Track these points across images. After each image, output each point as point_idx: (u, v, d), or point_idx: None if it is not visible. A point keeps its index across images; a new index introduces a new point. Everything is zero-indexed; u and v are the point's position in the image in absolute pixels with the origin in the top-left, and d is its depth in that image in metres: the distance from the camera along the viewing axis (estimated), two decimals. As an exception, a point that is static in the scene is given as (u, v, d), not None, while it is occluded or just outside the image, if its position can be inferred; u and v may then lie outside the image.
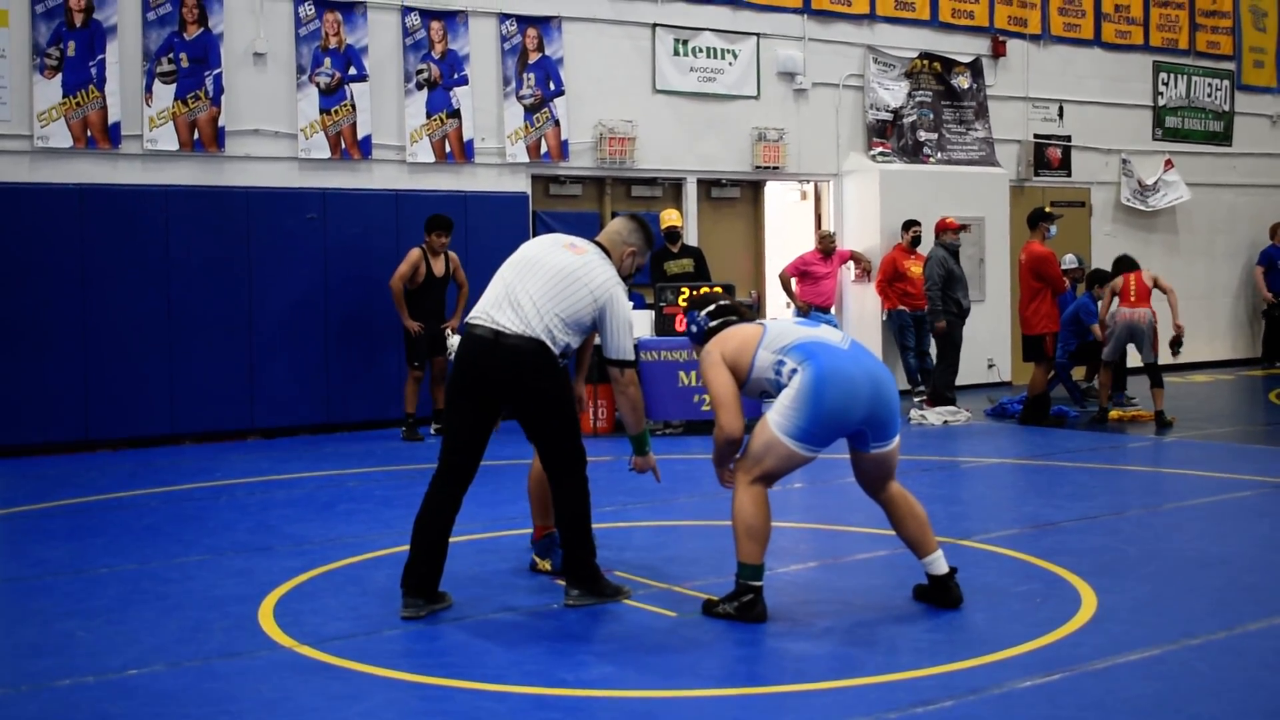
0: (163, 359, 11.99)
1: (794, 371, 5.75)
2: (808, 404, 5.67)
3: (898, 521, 5.98)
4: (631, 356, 6.05)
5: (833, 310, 15.52)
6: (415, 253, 12.25)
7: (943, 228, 13.39)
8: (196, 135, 12.26)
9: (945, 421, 12.80)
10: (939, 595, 5.95)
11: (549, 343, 5.84)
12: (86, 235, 11.65)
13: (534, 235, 14.01)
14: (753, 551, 5.72)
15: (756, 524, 5.72)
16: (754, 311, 6.13)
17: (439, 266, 12.33)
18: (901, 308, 15.07)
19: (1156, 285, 12.67)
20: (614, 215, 14.44)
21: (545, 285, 5.90)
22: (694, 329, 6.19)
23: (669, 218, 13.33)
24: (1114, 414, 12.80)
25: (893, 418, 5.82)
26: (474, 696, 4.74)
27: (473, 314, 5.99)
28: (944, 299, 12.98)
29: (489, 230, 13.47)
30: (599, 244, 6.17)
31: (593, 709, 4.62)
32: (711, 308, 6.17)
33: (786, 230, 16.50)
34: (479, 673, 4.99)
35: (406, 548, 5.94)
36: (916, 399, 14.69)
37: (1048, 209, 13.69)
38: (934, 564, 5.94)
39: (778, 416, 5.71)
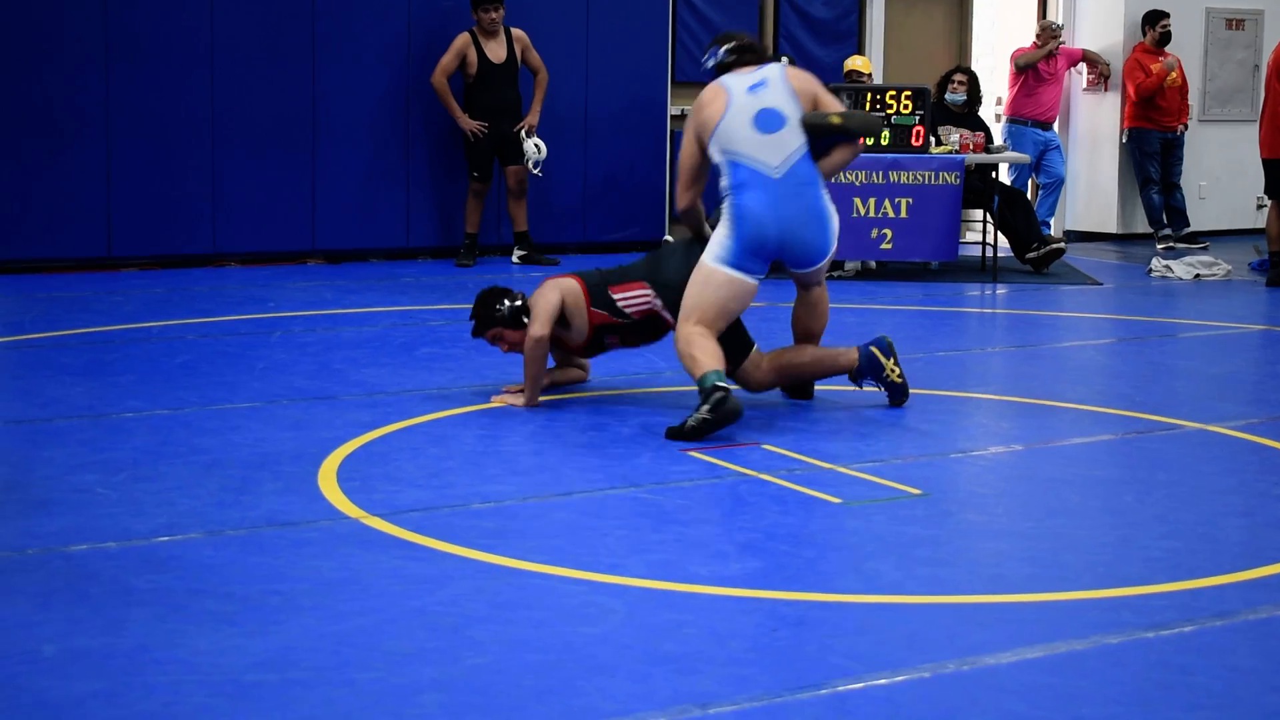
0: (204, 161, 12.14)
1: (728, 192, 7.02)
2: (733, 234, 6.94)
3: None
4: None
5: (1055, 127, 15.22)
6: (460, 38, 12.48)
7: None
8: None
9: (1197, 275, 12.61)
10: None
11: None
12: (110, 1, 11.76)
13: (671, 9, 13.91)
14: (704, 362, 6.70)
15: (703, 342, 6.79)
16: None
17: (496, 51, 12.46)
18: (1148, 127, 14.76)
19: None
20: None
21: None
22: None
23: (855, 65, 13.45)
24: None
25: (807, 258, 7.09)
26: (582, 588, 4.79)
27: None
28: None
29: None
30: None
31: (731, 612, 4.65)
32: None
33: (1002, 20, 16.20)
34: (590, 560, 5.04)
35: (496, 404, 6.00)
36: (1159, 245, 14.51)
37: None
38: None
39: (712, 246, 7.01)
